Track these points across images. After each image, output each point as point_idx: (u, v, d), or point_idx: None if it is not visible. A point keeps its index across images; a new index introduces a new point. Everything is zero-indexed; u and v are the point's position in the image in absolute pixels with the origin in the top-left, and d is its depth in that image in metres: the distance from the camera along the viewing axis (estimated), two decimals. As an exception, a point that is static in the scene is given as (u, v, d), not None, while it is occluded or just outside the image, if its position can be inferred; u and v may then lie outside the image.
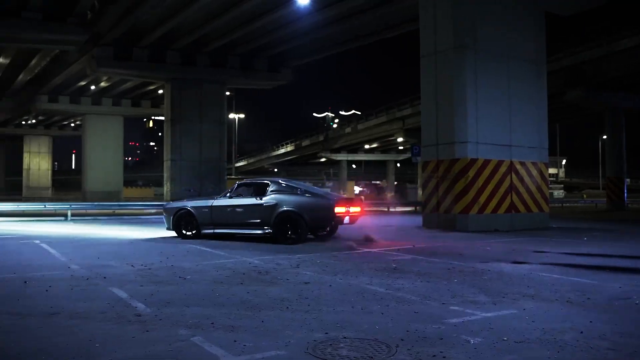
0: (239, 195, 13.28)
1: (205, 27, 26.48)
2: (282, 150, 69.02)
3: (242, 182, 14.15)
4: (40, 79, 39.77)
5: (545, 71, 18.92)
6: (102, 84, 40.86)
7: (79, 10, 23.49)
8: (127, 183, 63.13)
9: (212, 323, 5.18)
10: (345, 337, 4.72)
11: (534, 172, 18.01)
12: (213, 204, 13.24)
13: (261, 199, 12.69)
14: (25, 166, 63.69)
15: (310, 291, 6.78)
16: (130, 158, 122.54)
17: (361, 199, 18.30)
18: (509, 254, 10.80)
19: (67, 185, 73.94)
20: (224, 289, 6.95)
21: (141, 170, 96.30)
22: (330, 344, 4.52)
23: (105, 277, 7.66)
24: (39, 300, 6.12)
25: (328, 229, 13.57)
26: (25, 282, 7.24)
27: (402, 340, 4.59)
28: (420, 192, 29.40)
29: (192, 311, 5.67)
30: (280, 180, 13.63)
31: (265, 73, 32.64)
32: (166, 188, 32.29)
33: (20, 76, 38.58)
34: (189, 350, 4.35)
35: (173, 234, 13.84)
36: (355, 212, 13.17)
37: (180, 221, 13.47)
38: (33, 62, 34.05)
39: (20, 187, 64.98)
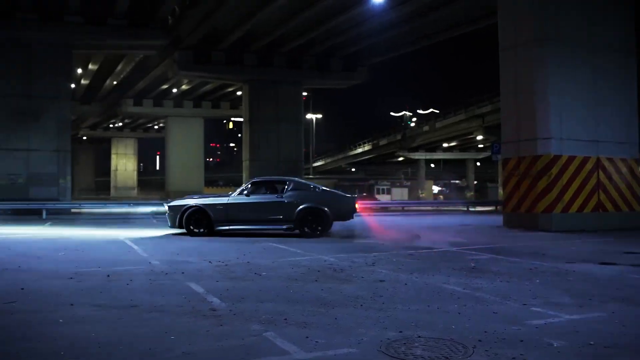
0: (254, 193, 13.75)
1: (281, 29, 26.77)
2: (359, 150, 68.90)
3: (256, 180, 14.55)
4: (126, 83, 41.52)
5: (635, 61, 17.88)
6: (183, 87, 42.15)
7: (160, 16, 24.32)
8: (208, 183, 64.82)
9: (285, 319, 5.17)
10: (419, 336, 4.59)
11: (623, 169, 17.05)
12: (229, 202, 13.64)
13: (282, 196, 13.48)
14: (113, 167, 66.63)
15: (385, 289, 6.67)
16: (211, 159, 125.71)
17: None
18: (596, 254, 10.27)
19: (151, 185, 76.64)
20: (298, 285, 6.94)
21: (222, 171, 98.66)
22: (404, 343, 4.40)
23: (183, 273, 7.83)
24: (120, 293, 6.32)
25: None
26: (109, 275, 7.50)
27: (479, 341, 4.41)
28: (500, 190, 28.57)
29: (265, 307, 5.69)
30: (295, 179, 14.56)
31: (341, 72, 32.66)
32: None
33: (108, 81, 40.39)
34: (261, 345, 4.35)
35: (174, 230, 14.32)
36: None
37: (190, 219, 13.53)
38: (119, 67, 35.54)
39: (108, 187, 68.08)
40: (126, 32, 24.54)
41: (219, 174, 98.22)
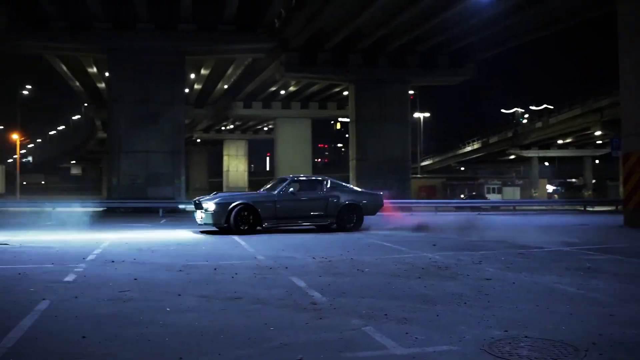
0: (298, 190, 14.42)
1: (385, 27, 26.61)
2: (468, 148, 67.19)
3: (295, 179, 15.02)
4: (236, 87, 42.97)
5: None
6: (291, 89, 42.99)
7: (267, 20, 24.93)
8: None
9: (385, 314, 5.09)
10: (526, 337, 4.35)
11: None
12: (277, 199, 13.91)
13: (324, 194, 14.42)
14: (225, 168, 69.18)
15: (492, 288, 6.41)
16: (319, 160, 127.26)
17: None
18: None
19: (261, 185, 78.82)
20: (400, 282, 6.83)
21: (330, 171, 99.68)
22: (509, 343, 4.19)
23: (287, 267, 7.94)
24: (225, 286, 6.50)
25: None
26: (215, 269, 7.75)
27: (593, 344, 4.11)
28: (621, 189, 26.80)
29: (366, 302, 5.63)
30: (331, 178, 15.25)
31: (447, 69, 31.95)
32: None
33: (219, 85, 41.97)
34: (359, 339, 4.30)
35: (205, 228, 14.41)
36: None
37: (238, 216, 13.46)
38: (229, 71, 36.82)
39: (221, 187, 70.77)
40: (235, 37, 25.36)
41: (328, 174, 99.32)
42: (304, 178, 15.64)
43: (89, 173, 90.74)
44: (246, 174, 69.89)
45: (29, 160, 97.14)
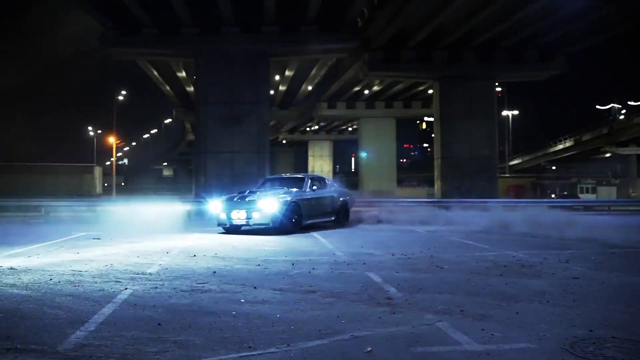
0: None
1: (470, 22, 25.88)
2: (559, 147, 64.39)
3: (283, 177, 15.87)
4: (320, 88, 43.18)
5: None
6: (375, 88, 42.74)
7: (349, 19, 24.84)
8: (403, 183, 65.09)
9: (462, 310, 4.92)
10: (613, 337, 4.08)
11: None
12: (310, 196, 13.92)
13: (330, 191, 14.91)
14: (310, 168, 69.75)
15: (578, 287, 6.07)
16: (405, 160, 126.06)
17: None
18: None
19: (347, 186, 78.92)
20: (480, 279, 6.61)
21: (415, 171, 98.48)
22: (594, 343, 3.95)
23: (364, 263, 7.86)
24: (301, 280, 6.51)
25: None
26: (293, 264, 7.78)
27: (689, 346, 3.79)
28: None
29: (442, 298, 5.48)
30: (324, 176, 15.77)
31: (536, 64, 30.65)
32: (436, 186, 32.40)
33: (303, 87, 42.34)
34: (432, 334, 4.18)
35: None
36: None
37: (291, 213, 13.11)
38: (313, 72, 37.06)
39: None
40: (317, 37, 25.41)
41: (413, 174, 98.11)
42: (315, 176, 16.00)
43: (179, 174, 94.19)
44: (331, 174, 70.18)
45: (124, 163, 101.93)
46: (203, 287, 6.02)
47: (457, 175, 30.54)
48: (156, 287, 5.96)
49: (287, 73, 37.05)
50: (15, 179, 31.11)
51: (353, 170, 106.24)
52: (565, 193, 42.62)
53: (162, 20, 24.54)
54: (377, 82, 39.90)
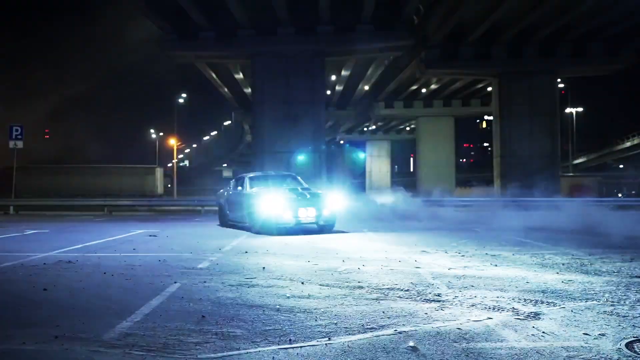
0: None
1: (530, 16, 25.16)
2: (627, 144, 61.88)
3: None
4: (377, 87, 42.95)
5: None
6: (432, 87, 42.16)
7: (405, 17, 24.59)
8: (460, 183, 64.00)
9: (513, 308, 4.75)
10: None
11: None
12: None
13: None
14: (367, 169, 69.48)
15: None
16: (464, 160, 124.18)
17: None
18: None
19: (404, 186, 78.28)
20: (535, 276, 6.38)
21: (475, 171, 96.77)
22: (652, 342, 3.71)
23: (416, 260, 7.72)
24: (350, 276, 6.44)
25: None
26: (344, 261, 7.73)
27: None
28: None
29: (494, 295, 5.31)
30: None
31: (601, 57, 29.52)
32: (496, 185, 31.71)
33: (360, 86, 42.21)
34: (478, 331, 4.03)
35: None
36: None
37: None
38: (369, 72, 36.90)
39: (364, 188, 71.17)
40: (373, 36, 25.26)
41: (473, 174, 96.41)
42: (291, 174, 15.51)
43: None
44: (389, 174, 69.70)
45: (185, 164, 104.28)
46: (251, 281, 6.04)
47: (517, 174, 29.75)
48: (204, 282, 6.01)
49: (343, 73, 37.02)
50: (83, 180, 32.25)
51: (412, 170, 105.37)
52: (633, 192, 40.89)
53: (219, 23, 24.94)
54: (434, 80, 39.34)
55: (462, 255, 8.28)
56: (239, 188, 13.78)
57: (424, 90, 43.51)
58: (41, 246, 9.46)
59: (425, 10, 26.88)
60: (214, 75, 35.78)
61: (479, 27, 26.77)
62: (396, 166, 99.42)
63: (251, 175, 14.28)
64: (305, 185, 13.98)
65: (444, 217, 17.17)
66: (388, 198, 24.55)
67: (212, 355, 3.45)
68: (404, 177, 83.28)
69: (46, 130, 63.73)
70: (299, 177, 14.65)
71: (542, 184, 28.66)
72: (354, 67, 35.54)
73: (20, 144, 20.72)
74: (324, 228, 12.64)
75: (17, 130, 20.43)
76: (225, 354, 3.48)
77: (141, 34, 34.07)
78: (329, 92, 42.59)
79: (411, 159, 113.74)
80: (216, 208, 16.12)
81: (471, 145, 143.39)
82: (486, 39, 28.57)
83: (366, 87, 42.95)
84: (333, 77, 38.71)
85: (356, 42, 25.62)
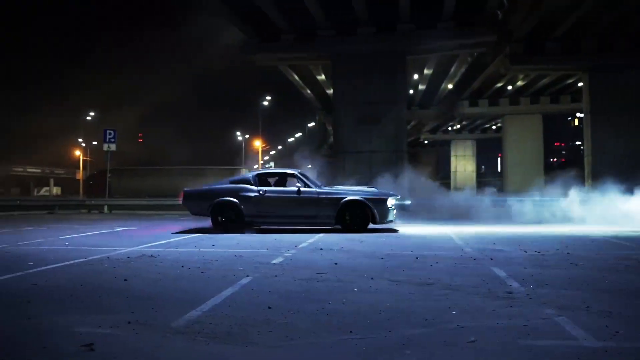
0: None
1: (623, 5, 23.91)
2: None
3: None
4: (460, 85, 42.12)
5: None
6: (518, 83, 40.88)
7: (487, 12, 23.94)
8: (550, 183, 61.66)
9: (587, 307, 4.57)
10: None
11: None
12: None
13: None
14: (452, 169, 68.30)
15: None
16: (555, 159, 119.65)
17: None
18: None
19: (490, 186, 76.41)
20: (616, 277, 6.11)
21: (566, 171, 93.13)
22: None
23: (492, 259, 7.55)
24: (420, 272, 6.39)
25: None
26: (417, 258, 7.66)
27: None
28: None
29: (568, 294, 5.13)
30: None
31: None
32: (587, 185, 30.33)
33: (443, 85, 41.56)
34: (546, 329, 3.92)
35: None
36: None
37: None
38: (452, 69, 36.26)
39: (449, 188, 69.97)
40: (454, 33, 24.77)
41: (563, 175, 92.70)
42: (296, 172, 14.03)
43: (323, 175, 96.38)
44: (474, 174, 68.20)
45: (271, 165, 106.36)
46: (321, 277, 6.11)
47: (611, 173, 28.04)
48: (276, 276, 6.15)
49: (425, 71, 36.61)
50: (171, 181, 33.55)
51: (500, 170, 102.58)
52: None
53: (300, 25, 25.28)
54: (520, 76, 38.18)
55: (542, 255, 8.01)
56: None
57: (509, 87, 42.29)
58: (127, 241, 9.96)
59: (509, 4, 26.10)
60: (296, 77, 36.32)
61: (567, 19, 25.71)
62: (483, 166, 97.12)
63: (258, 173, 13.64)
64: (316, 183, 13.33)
65: (530, 218, 16.61)
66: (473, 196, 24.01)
67: (273, 343, 3.54)
68: (490, 178, 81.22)
69: (139, 135, 66.91)
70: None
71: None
72: (437, 65, 35.05)
73: (113, 147, 21.85)
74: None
75: (110, 134, 21.56)
76: (285, 343, 3.56)
77: (226, 40, 35.06)
78: (411, 91, 42.20)
79: (499, 158, 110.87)
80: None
81: (562, 144, 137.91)
82: (574, 32, 27.42)
83: (450, 86, 42.23)
84: (415, 76, 38.35)
85: (437, 39, 25.23)
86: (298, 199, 12.09)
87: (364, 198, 12.26)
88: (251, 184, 12.30)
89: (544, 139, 48.83)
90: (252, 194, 12.08)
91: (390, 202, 12.48)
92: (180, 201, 13.05)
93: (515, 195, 26.18)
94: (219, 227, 11.95)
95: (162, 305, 4.64)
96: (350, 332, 3.80)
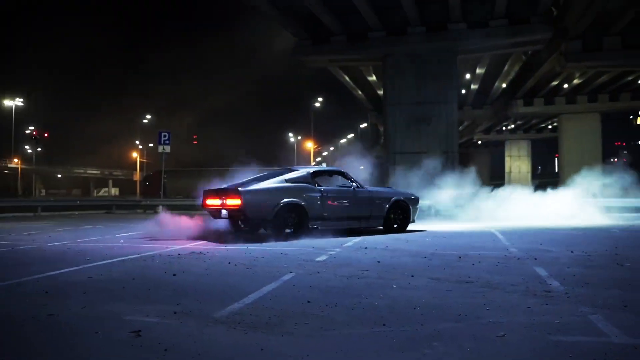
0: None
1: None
2: None
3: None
4: (514, 84, 41.40)
5: None
6: (575, 81, 39.86)
7: (541, 9, 23.51)
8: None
9: (625, 306, 4.56)
10: None
11: None
12: None
13: None
14: (506, 169, 67.08)
15: None
16: (615, 159, 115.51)
17: None
18: None
19: (547, 187, 74.59)
20: (661, 277, 6.00)
21: (629, 172, 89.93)
22: None
23: (535, 259, 7.52)
24: (461, 271, 6.45)
25: None
26: (460, 257, 7.70)
27: None
28: None
29: (608, 293, 5.11)
30: None
31: None
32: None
33: (496, 84, 40.96)
34: (578, 326, 3.95)
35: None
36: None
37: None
38: (505, 68, 35.74)
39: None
40: (507, 31, 24.41)
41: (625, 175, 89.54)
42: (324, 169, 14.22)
43: (374, 176, 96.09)
44: (529, 175, 66.80)
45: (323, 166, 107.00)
46: (362, 274, 6.25)
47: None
48: (318, 272, 6.32)
49: (478, 71, 36.21)
50: (223, 182, 34.34)
51: (556, 171, 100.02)
52: None
53: (350, 26, 25.45)
54: (577, 74, 37.22)
55: (589, 255, 7.92)
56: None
57: (565, 85, 41.29)
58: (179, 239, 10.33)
59: (564, 0, 25.59)
60: (347, 78, 36.51)
61: (626, 14, 25.04)
62: (539, 167, 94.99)
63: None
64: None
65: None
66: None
67: (308, 333, 3.71)
68: (547, 178, 79.33)
69: (194, 137, 68.40)
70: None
71: None
72: (489, 64, 34.64)
73: (167, 149, 22.50)
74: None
75: (165, 136, 22.20)
76: (319, 333, 3.73)
77: (279, 45, 35.55)
78: (463, 91, 41.76)
79: (556, 159, 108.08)
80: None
81: (623, 144, 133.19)
82: (634, 27, 26.65)
83: (503, 85, 41.63)
84: (467, 76, 37.96)
85: (489, 38, 24.93)
86: (355, 198, 11.52)
87: (405, 198, 12.37)
88: (310, 183, 11.14)
89: (602, 139, 47.37)
90: (316, 194, 10.91)
91: (419, 203, 12.81)
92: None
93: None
94: (282, 235, 10.26)
95: (207, 298, 4.89)
96: (384, 325, 3.94)
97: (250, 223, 10.58)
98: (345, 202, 11.43)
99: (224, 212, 10.41)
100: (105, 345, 3.46)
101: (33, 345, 3.45)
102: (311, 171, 11.64)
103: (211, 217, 11.28)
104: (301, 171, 11.46)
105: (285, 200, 10.37)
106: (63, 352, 3.30)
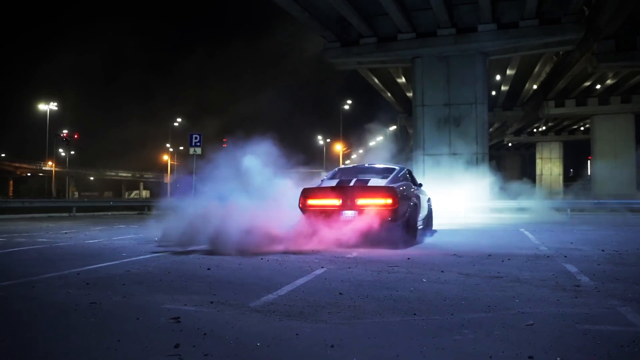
0: None
1: None
2: None
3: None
4: (545, 85, 41.00)
5: None
6: (608, 82, 39.30)
7: (573, 9, 23.32)
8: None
9: (656, 299, 4.58)
10: None
11: None
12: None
13: None
14: (537, 172, 66.26)
15: None
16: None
17: None
18: None
19: (578, 190, 73.45)
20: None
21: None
22: None
23: (565, 257, 7.54)
24: (490, 267, 6.51)
25: None
26: (490, 255, 7.75)
27: None
28: None
29: (638, 288, 5.11)
30: None
31: None
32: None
33: (527, 85, 40.60)
34: (606, 316, 4.01)
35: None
36: None
37: None
38: (536, 69, 35.44)
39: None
40: (538, 31, 24.25)
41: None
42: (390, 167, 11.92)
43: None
44: (561, 177, 65.87)
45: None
46: (393, 269, 6.36)
47: None
48: (349, 267, 6.45)
49: (508, 72, 35.96)
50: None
51: (589, 174, 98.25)
52: None
53: (379, 28, 25.57)
54: (610, 74, 36.75)
55: (620, 254, 7.90)
56: None
57: (598, 86, 40.74)
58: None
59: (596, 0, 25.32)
60: (376, 81, 36.59)
61: (659, 14, 24.66)
62: (571, 169, 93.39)
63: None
64: None
65: (617, 221, 16.15)
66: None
67: (340, 321, 3.84)
68: (579, 181, 78.10)
69: (224, 140, 69.08)
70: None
71: None
72: (520, 65, 34.38)
73: (199, 151, 22.77)
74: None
75: (196, 138, 22.47)
76: (351, 321, 3.85)
77: (309, 48, 35.81)
78: (493, 93, 41.48)
79: (588, 161, 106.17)
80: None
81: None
82: (668, 27, 26.24)
83: (534, 86, 41.26)
84: (497, 77, 37.73)
85: (520, 38, 24.81)
86: (424, 199, 11.16)
87: (429, 198, 12.35)
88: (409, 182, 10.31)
89: (636, 141, 46.53)
90: (419, 194, 10.40)
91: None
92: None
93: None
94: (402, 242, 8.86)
95: (242, 289, 5.05)
96: (414, 314, 4.04)
97: (399, 225, 8.84)
98: (423, 202, 10.99)
99: (348, 213, 8.82)
100: (147, 329, 3.63)
101: (77, 330, 3.64)
102: (406, 168, 10.93)
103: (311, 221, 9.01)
104: (400, 169, 10.43)
105: (414, 200, 9.70)
106: (106, 335, 3.48)
